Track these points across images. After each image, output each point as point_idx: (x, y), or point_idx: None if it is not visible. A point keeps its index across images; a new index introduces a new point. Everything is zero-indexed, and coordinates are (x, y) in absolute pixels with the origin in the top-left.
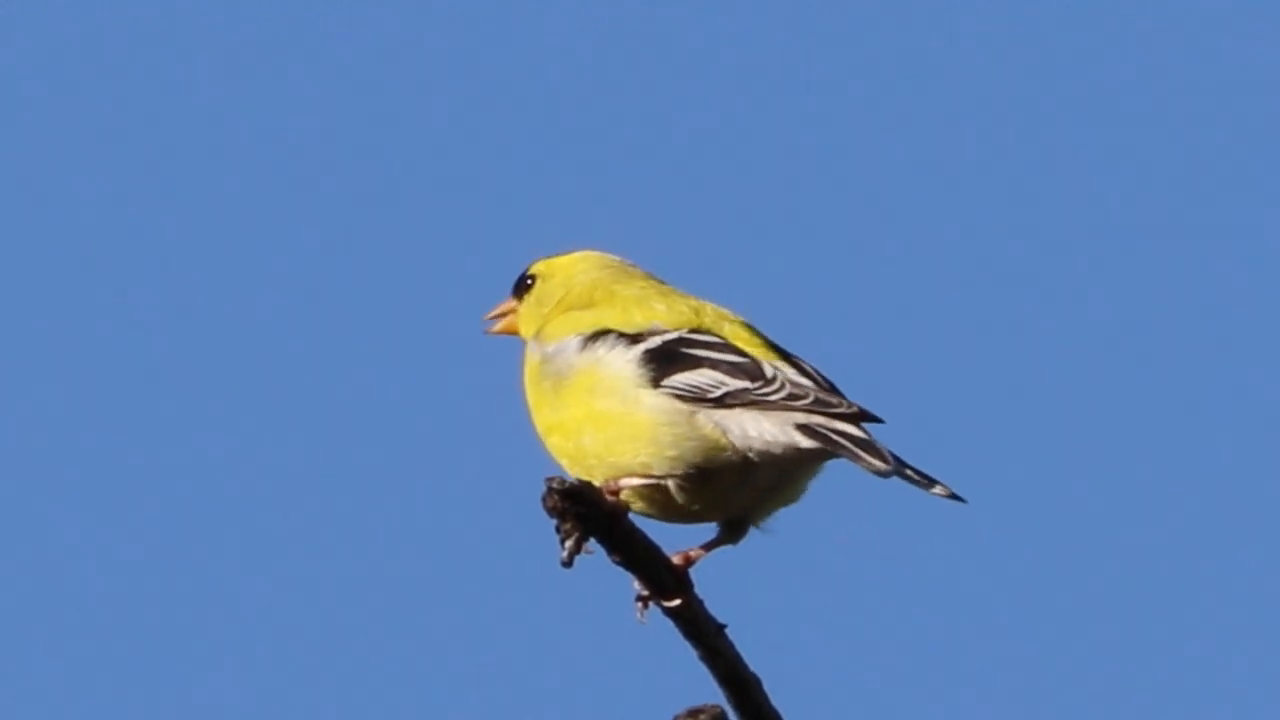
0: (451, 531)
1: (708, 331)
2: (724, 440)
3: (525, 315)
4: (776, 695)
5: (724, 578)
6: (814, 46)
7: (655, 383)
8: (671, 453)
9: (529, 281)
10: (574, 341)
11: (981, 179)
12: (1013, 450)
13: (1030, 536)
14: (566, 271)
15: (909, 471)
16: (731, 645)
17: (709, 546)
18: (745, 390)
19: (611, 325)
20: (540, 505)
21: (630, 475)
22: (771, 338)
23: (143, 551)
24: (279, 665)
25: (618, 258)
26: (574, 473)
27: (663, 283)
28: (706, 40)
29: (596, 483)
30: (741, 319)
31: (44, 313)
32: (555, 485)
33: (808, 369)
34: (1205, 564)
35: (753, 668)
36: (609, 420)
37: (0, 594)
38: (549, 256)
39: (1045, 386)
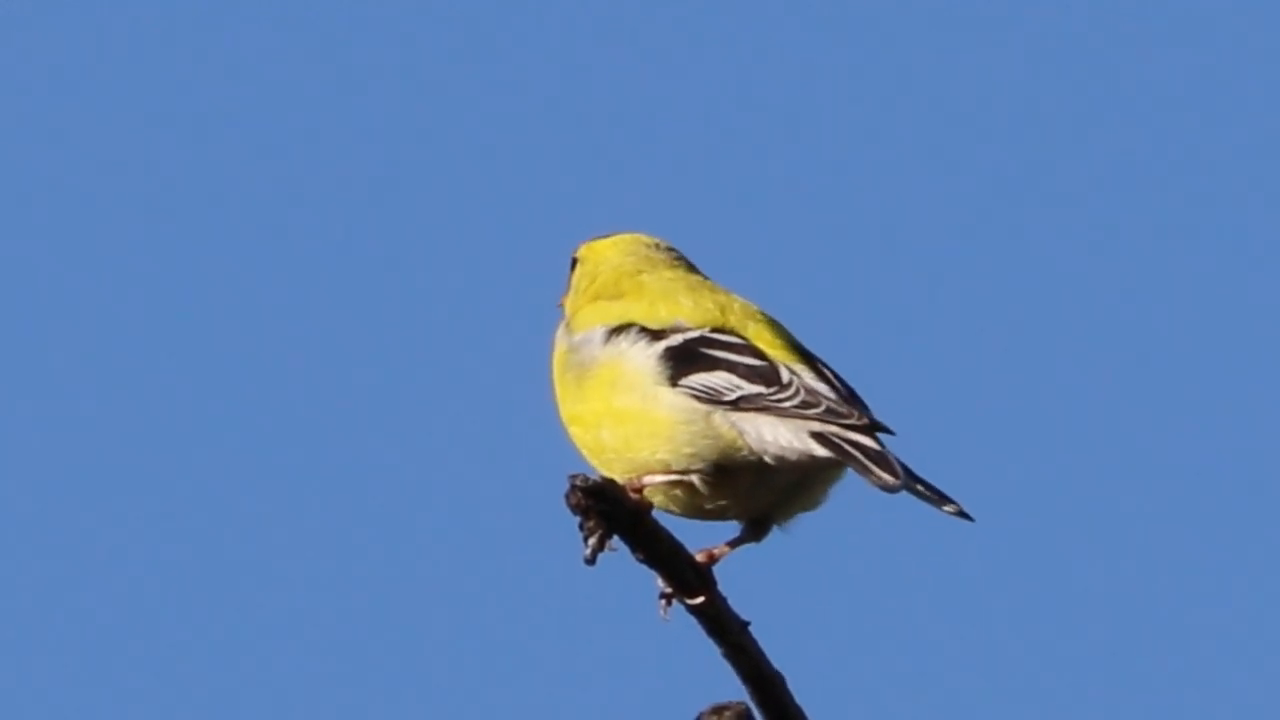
0: (475, 528)
1: (730, 331)
2: (740, 441)
3: (569, 298)
4: (800, 693)
5: (747, 575)
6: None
7: (673, 381)
8: (689, 450)
9: (575, 264)
10: (599, 333)
11: (1021, 188)
12: (1029, 455)
13: (1047, 539)
14: (599, 256)
15: (919, 487)
16: (755, 643)
17: (733, 544)
18: (759, 395)
19: (636, 319)
20: (564, 503)
21: (650, 472)
22: (799, 337)
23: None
24: (292, 661)
25: (655, 240)
26: (593, 464)
27: (693, 271)
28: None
29: (615, 476)
30: (768, 317)
31: (47, 313)
32: (579, 483)
33: (828, 374)
34: (1215, 572)
35: (776, 665)
36: (628, 417)
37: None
38: (594, 239)
39: (1065, 396)
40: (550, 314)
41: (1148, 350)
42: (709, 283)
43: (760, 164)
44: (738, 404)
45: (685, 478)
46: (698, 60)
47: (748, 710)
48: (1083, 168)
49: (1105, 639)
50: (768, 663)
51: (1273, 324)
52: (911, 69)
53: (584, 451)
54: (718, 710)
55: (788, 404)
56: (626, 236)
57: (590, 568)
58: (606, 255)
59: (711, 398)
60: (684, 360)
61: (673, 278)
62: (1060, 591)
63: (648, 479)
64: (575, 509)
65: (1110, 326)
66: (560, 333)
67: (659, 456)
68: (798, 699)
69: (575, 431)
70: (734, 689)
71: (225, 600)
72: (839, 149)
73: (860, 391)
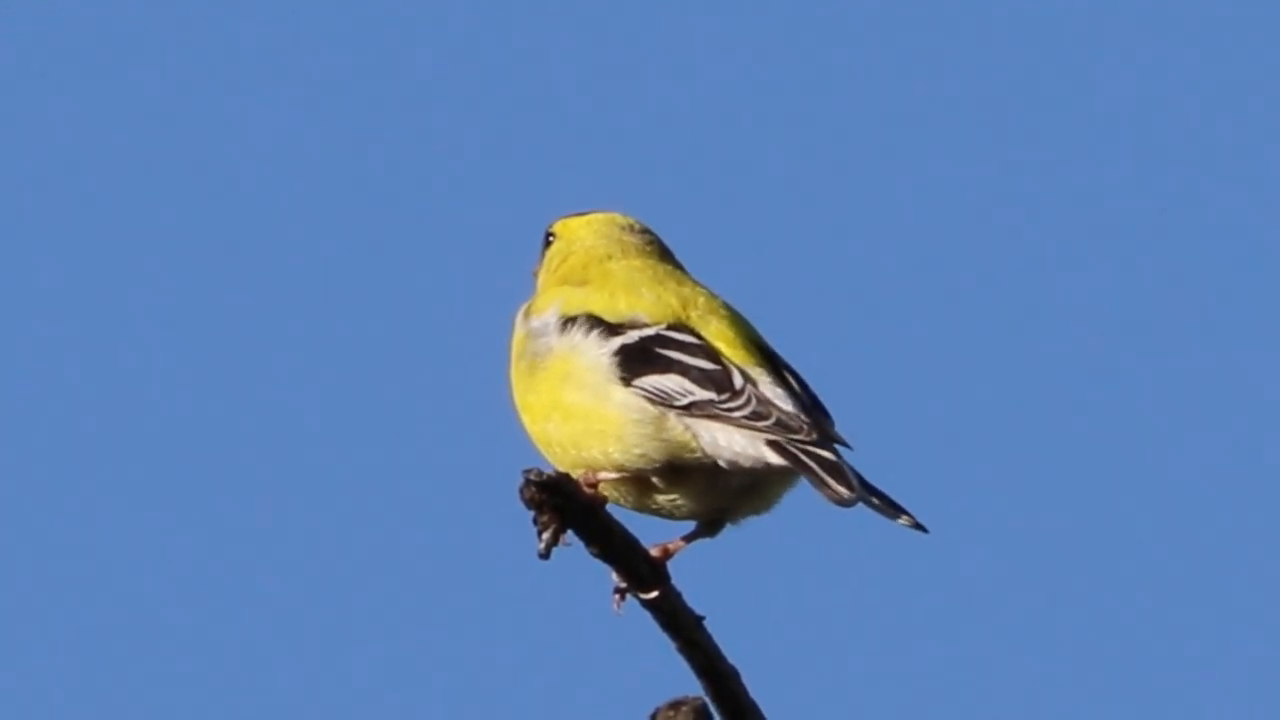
0: (428, 523)
1: (688, 329)
2: (693, 444)
3: (540, 274)
4: (755, 687)
5: (702, 570)
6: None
7: (627, 381)
8: (639, 451)
9: (549, 239)
10: (555, 322)
11: (999, 192)
12: (988, 459)
13: (1002, 541)
14: (572, 234)
15: (874, 500)
16: (710, 637)
17: (687, 539)
18: (710, 402)
19: (595, 310)
20: (518, 497)
21: (600, 469)
22: (765, 335)
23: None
24: (246, 659)
25: (630, 222)
26: (543, 454)
27: (665, 259)
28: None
29: (562, 468)
30: (733, 313)
31: (44, 313)
32: (533, 477)
33: (789, 379)
34: (1172, 580)
35: (731, 660)
36: (578, 414)
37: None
38: (569, 215)
39: (1027, 403)
40: (517, 293)
41: (1112, 358)
42: (677, 273)
43: (748, 154)
44: (690, 409)
45: (640, 476)
46: (688, 45)
47: (704, 706)
48: (1051, 176)
49: (1057, 636)
50: (722, 657)
51: (1234, 335)
52: (888, 62)
53: (533, 441)
54: (674, 705)
55: (738, 413)
56: (601, 216)
57: (544, 562)
58: (580, 234)
59: (664, 400)
60: (638, 360)
61: (640, 267)
62: (1015, 591)
63: (602, 474)
64: (529, 503)
65: (1074, 335)
66: (520, 316)
67: (609, 455)
68: (753, 693)
69: (525, 420)
70: (689, 684)
71: (164, 600)
72: (831, 147)
73: (823, 394)
